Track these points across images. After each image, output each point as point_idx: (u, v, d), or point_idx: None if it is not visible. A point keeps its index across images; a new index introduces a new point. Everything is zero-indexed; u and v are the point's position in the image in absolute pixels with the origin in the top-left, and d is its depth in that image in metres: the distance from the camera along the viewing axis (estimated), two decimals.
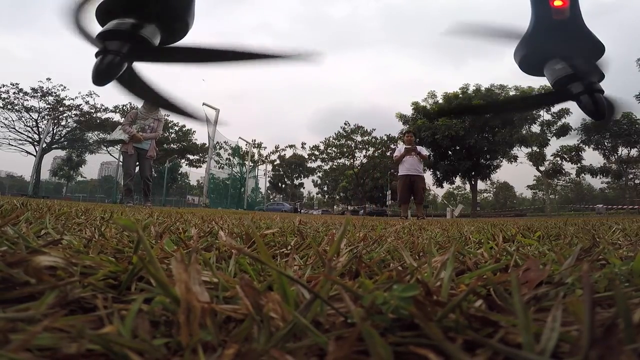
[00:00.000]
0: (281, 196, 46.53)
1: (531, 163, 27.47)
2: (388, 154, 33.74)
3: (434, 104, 28.30)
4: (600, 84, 0.81)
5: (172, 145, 33.25)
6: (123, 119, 5.67)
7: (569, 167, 27.81)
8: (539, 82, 24.24)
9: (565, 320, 0.29)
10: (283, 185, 46.99)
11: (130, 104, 27.90)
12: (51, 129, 26.10)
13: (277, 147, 44.98)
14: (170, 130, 32.97)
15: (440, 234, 1.28)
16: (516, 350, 0.24)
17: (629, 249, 0.80)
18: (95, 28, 0.68)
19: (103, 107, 28.11)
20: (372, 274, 0.50)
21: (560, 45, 0.83)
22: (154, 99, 0.78)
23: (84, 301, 0.35)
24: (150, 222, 1.10)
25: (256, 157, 39.27)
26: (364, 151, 37.69)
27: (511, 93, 26.68)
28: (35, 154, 24.10)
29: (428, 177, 27.88)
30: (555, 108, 25.48)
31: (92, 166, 32.34)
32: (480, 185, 35.31)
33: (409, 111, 28.59)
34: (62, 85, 26.73)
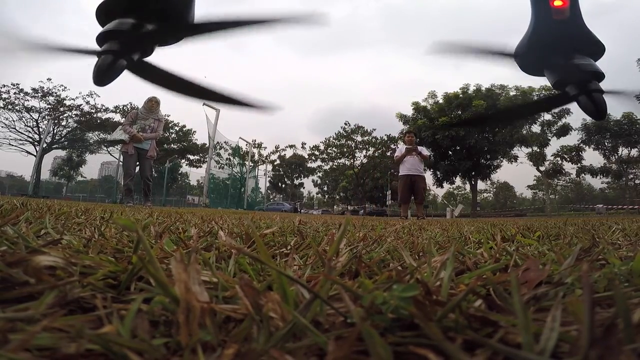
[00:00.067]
0: (281, 196, 46.53)
1: (531, 163, 27.49)
2: (388, 154, 33.75)
3: (434, 104, 28.32)
4: (600, 84, 0.81)
5: (172, 145, 33.26)
6: (123, 119, 5.67)
7: (569, 167, 27.88)
8: (539, 82, 24.30)
9: (564, 320, 0.29)
10: (283, 185, 47.00)
11: (131, 104, 28.01)
12: (52, 129, 26.11)
13: (277, 147, 45.11)
14: (171, 130, 32.99)
15: (440, 234, 1.28)
16: (516, 350, 0.24)
17: (628, 249, 0.80)
18: (95, 28, 0.68)
19: (103, 107, 28.22)
20: (372, 274, 0.50)
21: (561, 45, 0.83)
22: (184, 87, 0.74)
23: (84, 301, 0.35)
24: (150, 222, 1.11)
25: (256, 157, 39.33)
26: (364, 151, 37.73)
27: (511, 93, 26.73)
28: (35, 154, 24.13)
29: (428, 177, 27.92)
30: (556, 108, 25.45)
31: (93, 166, 32.38)
32: (480, 185, 35.36)
33: (409, 111, 28.70)
34: (62, 85, 26.84)
